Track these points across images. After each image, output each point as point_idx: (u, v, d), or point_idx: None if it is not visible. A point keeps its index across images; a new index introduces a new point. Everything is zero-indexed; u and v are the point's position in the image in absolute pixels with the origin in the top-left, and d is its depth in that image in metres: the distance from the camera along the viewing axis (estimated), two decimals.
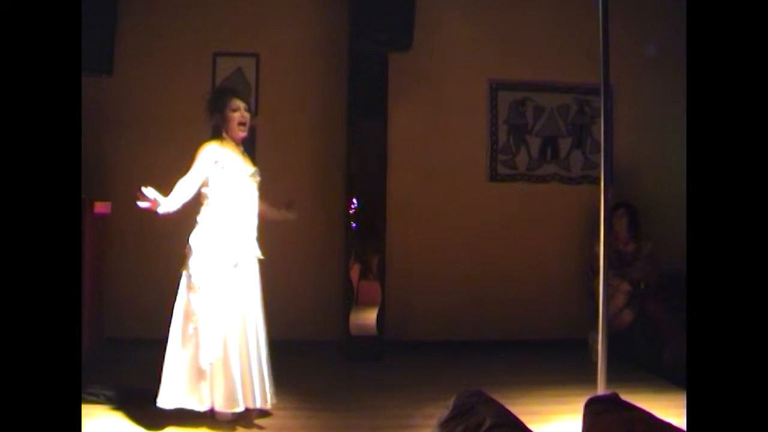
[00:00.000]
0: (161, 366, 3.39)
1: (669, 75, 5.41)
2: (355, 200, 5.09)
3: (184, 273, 3.46)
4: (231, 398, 3.33)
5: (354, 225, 5.09)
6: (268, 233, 3.73)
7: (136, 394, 3.46)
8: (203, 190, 3.51)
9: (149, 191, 3.33)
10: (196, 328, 3.36)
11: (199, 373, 3.34)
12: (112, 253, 4.91)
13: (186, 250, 3.46)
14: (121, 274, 4.96)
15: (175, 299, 3.46)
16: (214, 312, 3.37)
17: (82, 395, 3.49)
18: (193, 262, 3.44)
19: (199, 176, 3.49)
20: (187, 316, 3.40)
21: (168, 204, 3.40)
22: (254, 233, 3.62)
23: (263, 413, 3.58)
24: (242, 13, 5.32)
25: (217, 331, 3.37)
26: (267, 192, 3.77)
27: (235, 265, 3.47)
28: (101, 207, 4.61)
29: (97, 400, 3.67)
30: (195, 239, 3.47)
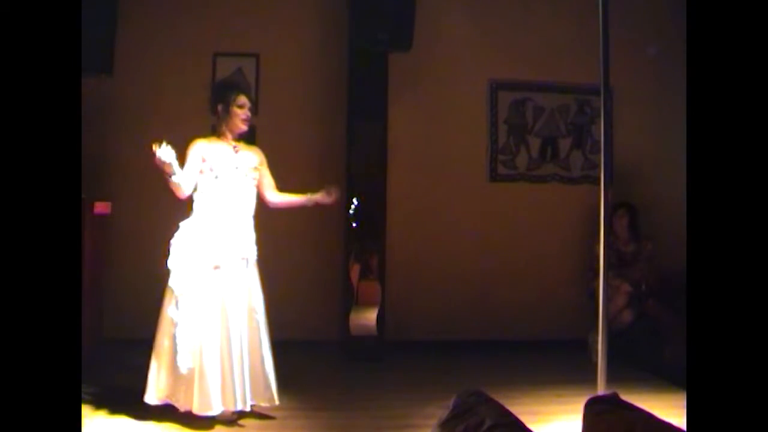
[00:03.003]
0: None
1: (669, 75, 5.41)
2: (355, 200, 5.09)
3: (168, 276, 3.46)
4: (205, 402, 3.33)
5: (354, 225, 5.09)
6: (267, 233, 3.73)
7: (133, 394, 3.47)
8: (193, 194, 3.50)
9: (166, 153, 3.28)
10: (174, 333, 3.36)
11: (178, 376, 3.35)
12: (112, 254, 4.90)
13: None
14: (121, 274, 4.95)
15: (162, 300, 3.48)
16: (193, 317, 3.36)
17: (82, 395, 3.49)
18: (172, 266, 3.43)
19: (193, 170, 3.47)
20: (168, 320, 3.40)
21: (179, 176, 3.37)
22: (250, 233, 3.59)
23: (263, 415, 3.59)
24: (242, 13, 5.32)
25: (195, 336, 3.36)
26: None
27: (216, 267, 3.44)
28: (101, 207, 4.61)
29: (95, 400, 3.67)
30: (174, 243, 3.47)
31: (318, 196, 3.76)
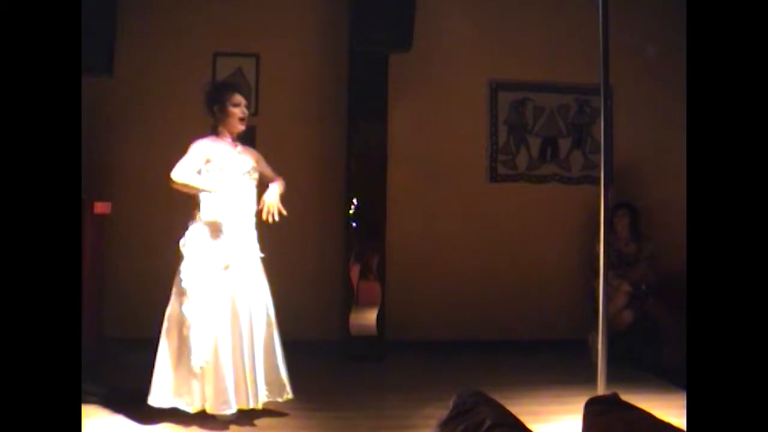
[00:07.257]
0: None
1: (668, 75, 5.41)
2: (355, 200, 5.09)
3: (177, 276, 3.46)
4: (222, 400, 3.33)
5: (354, 224, 5.10)
6: (267, 233, 3.73)
7: (134, 394, 3.47)
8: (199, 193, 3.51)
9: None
10: (187, 332, 3.35)
11: (190, 375, 3.34)
12: (112, 253, 4.90)
13: (178, 254, 3.46)
14: (121, 274, 4.95)
15: (168, 301, 3.47)
16: (205, 315, 3.37)
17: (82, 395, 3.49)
18: (184, 267, 3.44)
19: (194, 169, 3.46)
20: (179, 319, 3.39)
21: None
22: (252, 232, 3.61)
23: (264, 415, 3.58)
24: (242, 13, 5.32)
25: (208, 334, 3.36)
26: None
27: (226, 267, 3.45)
28: (101, 207, 4.61)
29: (95, 399, 3.67)
30: (185, 243, 3.47)
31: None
